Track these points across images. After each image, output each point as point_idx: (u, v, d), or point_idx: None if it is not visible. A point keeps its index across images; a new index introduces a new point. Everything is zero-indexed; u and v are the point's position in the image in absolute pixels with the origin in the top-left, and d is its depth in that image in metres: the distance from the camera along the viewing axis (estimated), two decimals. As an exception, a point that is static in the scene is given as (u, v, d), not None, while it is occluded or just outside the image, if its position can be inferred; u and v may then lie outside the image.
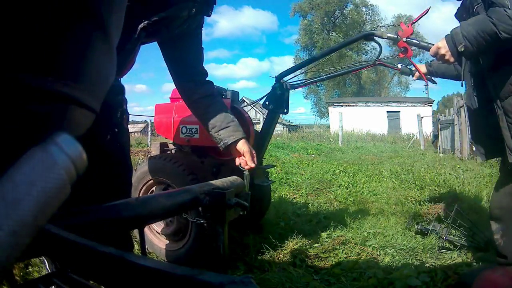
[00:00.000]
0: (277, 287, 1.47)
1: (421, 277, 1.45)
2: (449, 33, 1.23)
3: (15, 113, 0.27)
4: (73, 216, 0.60)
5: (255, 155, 1.36)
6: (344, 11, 26.05)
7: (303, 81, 2.00)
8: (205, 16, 1.25)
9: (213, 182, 1.09)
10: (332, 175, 4.75)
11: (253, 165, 1.33)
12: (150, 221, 0.81)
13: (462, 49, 1.17)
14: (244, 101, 11.81)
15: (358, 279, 1.52)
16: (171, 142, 2.15)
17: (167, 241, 1.86)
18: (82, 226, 0.59)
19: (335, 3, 25.40)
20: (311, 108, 29.33)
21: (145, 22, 0.95)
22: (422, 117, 12.08)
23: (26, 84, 0.27)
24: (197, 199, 0.90)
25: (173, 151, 2.18)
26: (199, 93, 1.35)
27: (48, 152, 0.27)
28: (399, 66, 1.80)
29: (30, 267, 1.46)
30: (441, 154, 8.41)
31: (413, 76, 1.78)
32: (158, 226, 1.91)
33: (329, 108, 20.15)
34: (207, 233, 1.60)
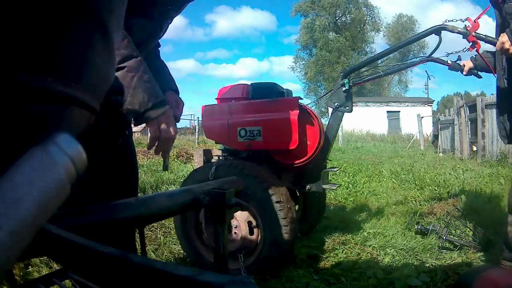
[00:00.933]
0: (277, 287, 1.48)
1: (421, 277, 1.45)
2: (508, 29, 1.34)
3: (15, 113, 0.27)
4: (73, 216, 0.60)
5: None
6: (345, 11, 26.06)
7: (363, 78, 2.01)
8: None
9: (212, 182, 1.09)
10: (332, 175, 4.75)
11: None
12: (150, 221, 0.81)
13: None
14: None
15: (358, 279, 1.52)
16: (220, 148, 2.01)
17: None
18: (82, 226, 0.59)
19: (336, 3, 25.40)
20: (311, 108, 29.29)
21: None
22: (422, 117, 12.09)
23: (26, 84, 0.27)
24: (197, 199, 0.90)
25: (221, 158, 1.97)
26: None
27: (48, 152, 0.27)
28: (449, 62, 1.77)
29: (30, 267, 1.46)
30: (441, 154, 8.41)
31: (462, 72, 1.76)
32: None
33: (329, 108, 20.16)
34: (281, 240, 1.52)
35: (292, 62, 29.05)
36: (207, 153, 2.02)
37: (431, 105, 19.09)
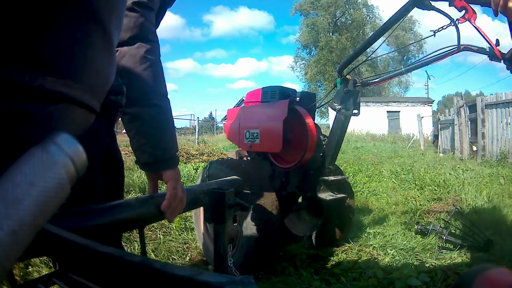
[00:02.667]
0: (277, 287, 1.47)
1: (421, 277, 1.45)
2: None
3: (15, 113, 0.27)
4: (73, 216, 0.60)
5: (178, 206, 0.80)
6: (345, 11, 26.06)
7: (378, 77, 1.72)
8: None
9: (213, 182, 1.09)
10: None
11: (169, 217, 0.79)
12: (150, 221, 0.81)
13: None
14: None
15: (358, 279, 1.52)
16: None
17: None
18: (83, 226, 0.59)
19: (337, 3, 25.40)
20: (311, 108, 29.25)
21: None
22: (422, 117, 12.08)
23: (26, 84, 0.27)
24: (197, 199, 0.90)
25: (244, 158, 2.08)
26: None
27: (47, 152, 0.27)
28: (488, 49, 1.32)
29: (30, 267, 1.46)
30: (441, 154, 8.41)
31: (504, 60, 1.24)
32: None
33: (329, 108, 20.14)
34: (255, 242, 1.48)
35: (291, 62, 29.03)
36: (239, 153, 2.23)
37: (431, 105, 19.08)
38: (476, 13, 1.19)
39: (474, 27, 1.23)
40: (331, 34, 26.71)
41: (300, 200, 2.03)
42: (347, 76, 1.65)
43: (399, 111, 18.78)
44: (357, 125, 16.79)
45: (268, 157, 1.85)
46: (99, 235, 0.61)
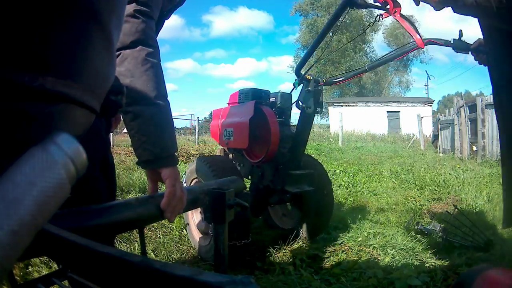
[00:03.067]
0: (277, 286, 1.47)
1: (421, 277, 1.45)
2: None
3: (15, 113, 0.27)
4: (73, 216, 0.60)
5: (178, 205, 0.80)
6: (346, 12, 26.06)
7: (343, 76, 1.83)
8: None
9: (213, 182, 1.09)
10: (332, 175, 4.75)
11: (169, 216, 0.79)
12: (150, 221, 0.81)
13: None
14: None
15: (358, 279, 1.52)
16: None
17: (201, 235, 1.92)
18: (83, 226, 0.59)
19: (337, 3, 25.42)
20: (311, 108, 29.26)
21: None
22: (422, 117, 12.08)
23: (26, 84, 0.27)
24: (197, 199, 0.90)
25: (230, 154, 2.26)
26: None
27: (48, 152, 0.27)
28: (452, 41, 1.29)
29: (30, 267, 1.46)
30: (441, 154, 8.41)
31: (470, 51, 1.22)
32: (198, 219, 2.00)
33: (329, 108, 20.13)
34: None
35: (291, 62, 29.01)
36: (224, 150, 2.38)
37: (431, 105, 19.08)
38: (400, 6, 1.17)
39: (398, 20, 1.23)
40: (331, 34, 26.67)
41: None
42: (307, 76, 1.75)
43: (399, 111, 18.78)
44: (357, 125, 16.82)
45: (241, 152, 2.05)
46: (99, 235, 0.61)
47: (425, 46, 1.37)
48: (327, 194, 2.04)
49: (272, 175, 1.92)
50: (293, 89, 1.88)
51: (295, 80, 1.80)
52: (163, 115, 0.77)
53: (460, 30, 1.24)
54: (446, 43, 1.29)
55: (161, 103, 0.77)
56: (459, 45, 1.25)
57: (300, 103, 1.76)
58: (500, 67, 0.98)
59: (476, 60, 1.20)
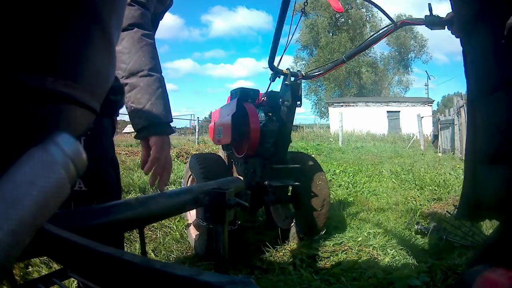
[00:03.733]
0: (277, 286, 1.47)
1: (421, 277, 1.45)
2: None
3: (15, 113, 0.27)
4: (73, 216, 0.60)
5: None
6: (345, 11, 26.04)
7: (323, 69, 1.84)
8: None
9: (213, 182, 1.09)
10: (332, 175, 4.75)
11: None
12: (150, 221, 0.81)
13: None
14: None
15: (358, 279, 1.52)
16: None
17: (197, 233, 1.94)
18: (83, 226, 0.59)
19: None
20: (311, 108, 29.31)
21: None
22: (422, 117, 12.09)
23: (26, 84, 0.27)
24: (197, 199, 0.90)
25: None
26: None
27: (47, 152, 0.27)
28: (424, 18, 1.22)
29: (30, 267, 1.46)
30: (441, 154, 8.41)
31: (447, 26, 1.10)
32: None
33: (329, 108, 20.15)
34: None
35: (291, 62, 28.99)
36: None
37: (431, 105, 19.08)
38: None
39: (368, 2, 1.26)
40: (331, 34, 26.70)
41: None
42: (285, 71, 1.78)
43: (399, 111, 18.80)
44: (357, 125, 16.82)
45: (229, 148, 2.11)
46: (99, 235, 0.61)
47: (400, 28, 1.42)
48: (321, 188, 2.00)
49: (261, 171, 1.95)
50: (270, 83, 1.90)
51: (271, 74, 1.82)
52: (157, 85, 0.82)
53: (429, 4, 1.19)
54: (419, 22, 1.25)
55: (155, 74, 0.82)
56: (432, 21, 1.18)
57: (280, 98, 1.80)
58: (481, 73, 0.73)
59: (453, 34, 1.00)
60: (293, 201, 2.07)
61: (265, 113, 2.01)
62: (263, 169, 1.91)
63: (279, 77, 1.87)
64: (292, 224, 2.09)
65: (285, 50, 1.82)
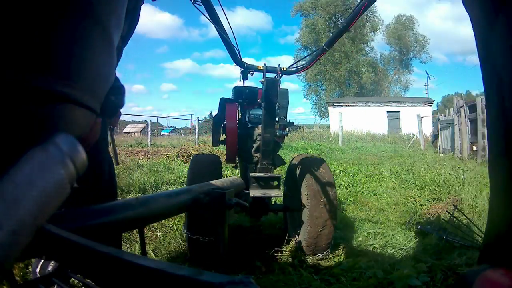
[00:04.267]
0: (277, 286, 1.47)
1: (421, 277, 1.45)
2: None
3: (16, 113, 0.27)
4: (73, 216, 0.60)
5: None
6: (345, 11, 26.06)
7: (301, 63, 1.68)
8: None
9: (213, 182, 1.09)
10: (332, 175, 4.75)
11: None
12: (150, 221, 0.81)
13: None
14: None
15: (358, 279, 1.52)
16: None
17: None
18: (83, 226, 0.59)
19: (337, 3, 25.43)
20: (311, 108, 29.32)
21: None
22: (422, 117, 12.08)
23: (27, 84, 0.27)
24: (197, 199, 0.90)
25: None
26: None
27: (48, 152, 0.27)
28: None
29: (30, 267, 1.46)
30: (441, 154, 8.40)
31: None
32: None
33: (329, 108, 20.15)
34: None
35: (291, 62, 28.93)
36: None
37: (431, 105, 19.08)
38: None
39: None
40: (331, 34, 26.67)
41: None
42: (259, 66, 1.65)
43: (399, 111, 18.78)
44: (357, 125, 16.82)
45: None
46: (99, 235, 0.61)
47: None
48: (326, 206, 1.72)
49: (246, 180, 1.71)
50: (243, 81, 1.74)
51: (241, 71, 1.66)
52: None
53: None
54: None
55: None
56: None
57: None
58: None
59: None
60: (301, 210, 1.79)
61: (252, 114, 1.78)
62: (245, 178, 1.69)
63: (252, 74, 1.66)
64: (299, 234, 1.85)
65: (236, 40, 1.59)
